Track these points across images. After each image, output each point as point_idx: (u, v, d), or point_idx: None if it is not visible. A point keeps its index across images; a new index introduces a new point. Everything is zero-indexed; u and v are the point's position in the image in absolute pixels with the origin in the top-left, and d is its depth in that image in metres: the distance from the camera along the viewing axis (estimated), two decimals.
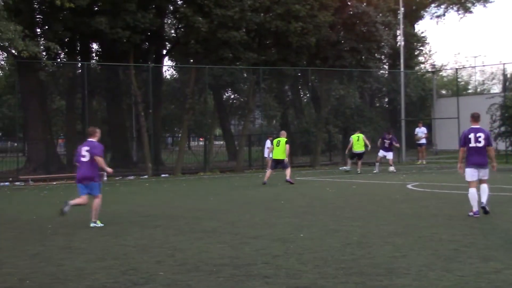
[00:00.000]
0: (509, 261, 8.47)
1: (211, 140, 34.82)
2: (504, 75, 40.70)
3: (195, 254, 9.57)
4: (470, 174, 13.18)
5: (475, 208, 12.93)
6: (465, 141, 13.21)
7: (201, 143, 40.87)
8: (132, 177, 28.86)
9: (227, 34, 30.10)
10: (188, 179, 27.75)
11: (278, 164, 23.44)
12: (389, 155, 28.94)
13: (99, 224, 12.97)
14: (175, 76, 50.37)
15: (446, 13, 55.16)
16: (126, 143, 35.87)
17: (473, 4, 53.65)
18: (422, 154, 34.67)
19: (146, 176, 29.33)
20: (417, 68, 53.82)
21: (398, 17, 40.45)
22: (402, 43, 40.80)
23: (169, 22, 36.75)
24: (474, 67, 67.95)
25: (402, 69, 39.25)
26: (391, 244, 10.00)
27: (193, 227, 12.47)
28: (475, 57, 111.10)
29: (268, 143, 32.17)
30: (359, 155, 28.18)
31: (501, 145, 35.81)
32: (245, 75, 37.16)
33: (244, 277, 7.99)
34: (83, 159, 13.18)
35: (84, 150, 13.23)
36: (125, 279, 8.07)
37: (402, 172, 27.80)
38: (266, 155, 32.27)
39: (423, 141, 34.76)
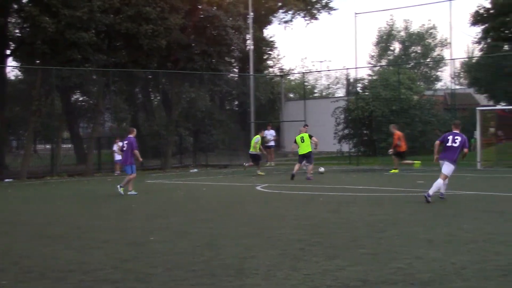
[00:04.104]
0: (352, 259, 8.85)
1: (58, 143, 33.92)
2: (347, 79, 42.45)
3: (41, 261, 9.30)
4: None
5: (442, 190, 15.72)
6: (443, 139, 15.87)
7: (48, 146, 39.61)
8: None
9: (76, 35, 29.40)
10: (34, 184, 26.86)
11: (305, 158, 24.55)
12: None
13: (133, 192, 19.36)
14: (20, 77, 48.53)
15: (293, 19, 56.69)
16: None
17: (318, 11, 55.49)
18: (271, 156, 35.33)
19: None
20: (266, 71, 54.95)
21: (248, 22, 41.15)
22: (252, 47, 41.55)
23: (13, 21, 35.36)
24: (320, 71, 70.47)
25: (251, 72, 39.96)
26: (241, 245, 10.18)
27: (40, 233, 12.10)
28: (321, 62, 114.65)
29: (115, 146, 31.73)
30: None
31: (345, 147, 37.31)
32: (94, 77, 36.44)
33: (93, 283, 7.88)
34: (125, 149, 19.56)
35: (125, 143, 19.58)
36: None
37: (252, 173, 28.28)
38: (116, 158, 31.82)
39: (272, 143, 35.45)
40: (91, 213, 15.35)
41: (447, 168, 15.53)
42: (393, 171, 26.94)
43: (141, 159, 20.53)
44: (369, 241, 10.21)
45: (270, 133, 35.35)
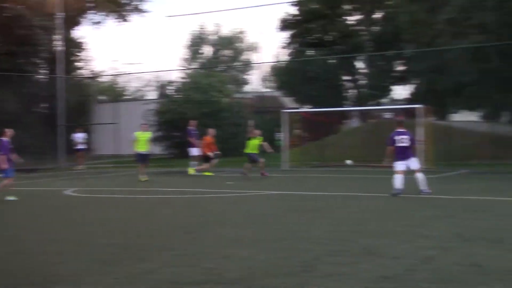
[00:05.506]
0: (162, 261, 8.93)
1: None
2: (159, 82, 42.50)
3: None
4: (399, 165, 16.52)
5: (398, 186, 16.36)
6: (392, 141, 16.49)
7: None
8: None
9: None
10: None
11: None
12: None
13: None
14: None
15: (104, 21, 55.85)
16: None
17: (129, 13, 55.12)
18: (81, 159, 34.68)
19: None
20: (76, 73, 53.68)
21: (57, 22, 40.03)
22: (61, 48, 40.44)
23: None
24: (131, 74, 70.10)
25: (60, 74, 38.93)
26: (49, 252, 9.91)
27: None
28: (132, 64, 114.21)
29: None
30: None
31: (157, 149, 37.38)
32: None
33: None
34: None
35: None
36: None
37: (60, 178, 27.58)
38: None
39: (82, 146, 34.79)
40: None
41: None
42: (208, 173, 26.86)
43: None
44: (179, 243, 10.36)
45: (79, 136, 34.68)
